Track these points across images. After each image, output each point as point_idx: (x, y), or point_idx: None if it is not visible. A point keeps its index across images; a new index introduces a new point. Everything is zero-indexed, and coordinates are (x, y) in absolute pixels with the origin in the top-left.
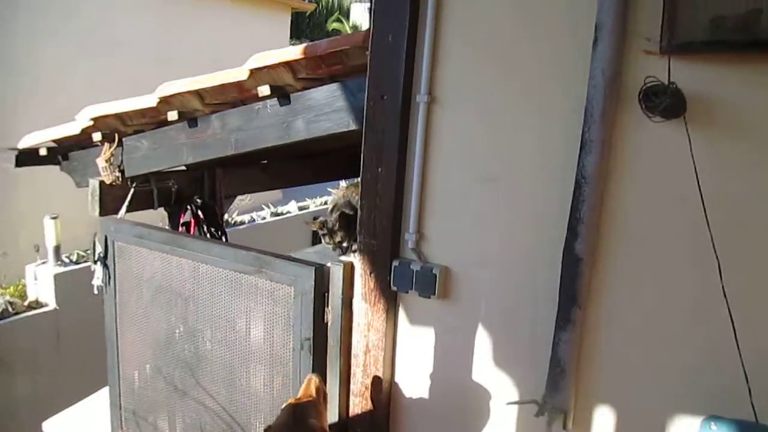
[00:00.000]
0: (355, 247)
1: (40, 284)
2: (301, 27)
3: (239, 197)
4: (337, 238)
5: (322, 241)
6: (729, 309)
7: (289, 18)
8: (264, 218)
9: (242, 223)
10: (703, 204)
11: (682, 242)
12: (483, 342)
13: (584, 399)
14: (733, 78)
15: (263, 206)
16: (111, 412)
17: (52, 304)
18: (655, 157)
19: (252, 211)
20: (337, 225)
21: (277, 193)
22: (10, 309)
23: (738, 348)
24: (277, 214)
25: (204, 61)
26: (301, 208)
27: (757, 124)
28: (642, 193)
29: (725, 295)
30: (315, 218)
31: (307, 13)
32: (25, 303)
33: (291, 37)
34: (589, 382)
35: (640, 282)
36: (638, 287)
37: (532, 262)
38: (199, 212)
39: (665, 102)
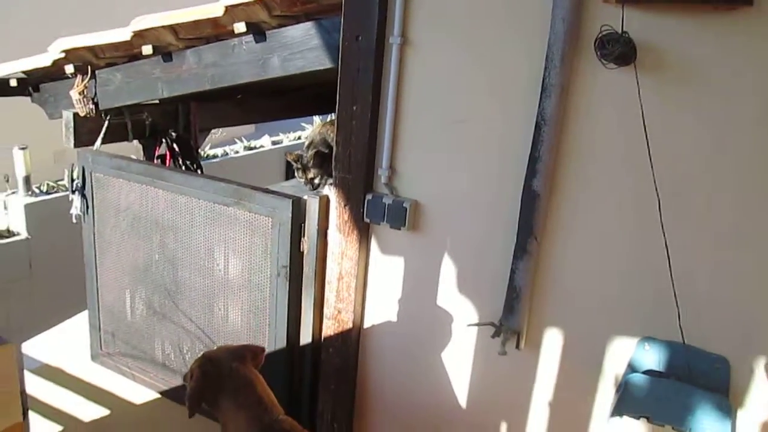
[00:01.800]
0: (326, 184)
1: (11, 214)
2: None
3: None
4: (310, 175)
5: (296, 175)
6: (666, 242)
7: None
8: (237, 152)
9: (215, 156)
10: (648, 145)
11: (629, 180)
12: (448, 270)
13: (536, 322)
14: (679, 28)
15: (236, 140)
16: (91, 334)
17: (23, 234)
18: (608, 102)
19: (225, 144)
20: (312, 162)
21: (250, 128)
22: None
23: (671, 278)
24: (250, 149)
25: None
26: (274, 143)
27: (700, 71)
28: (595, 135)
29: (663, 230)
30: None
31: None
32: None
33: None
34: (541, 307)
35: (591, 217)
36: (588, 222)
37: (494, 197)
38: (174, 145)
39: (618, 50)
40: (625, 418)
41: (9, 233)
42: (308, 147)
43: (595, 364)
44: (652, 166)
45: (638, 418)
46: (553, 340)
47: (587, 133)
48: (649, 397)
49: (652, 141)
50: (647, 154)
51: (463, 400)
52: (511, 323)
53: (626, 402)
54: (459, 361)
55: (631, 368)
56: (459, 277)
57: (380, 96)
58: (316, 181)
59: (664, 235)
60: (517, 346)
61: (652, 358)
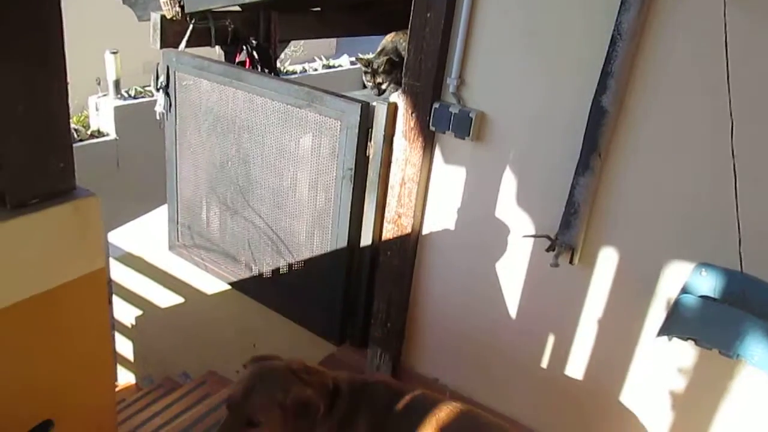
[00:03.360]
0: (392, 91)
1: (102, 115)
2: None
3: (292, 48)
4: (378, 80)
5: (364, 79)
6: (734, 167)
7: None
8: (316, 69)
9: (294, 72)
10: (727, 66)
11: (702, 102)
12: (508, 183)
13: (592, 239)
14: None
15: (315, 58)
16: (169, 226)
17: (112, 135)
18: (690, 18)
19: (304, 62)
20: (382, 68)
21: (330, 47)
22: (75, 135)
23: (736, 203)
24: (329, 67)
25: None
26: (352, 63)
27: None
28: (672, 54)
29: (733, 155)
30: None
31: None
32: (88, 132)
33: None
34: (598, 225)
35: (658, 136)
36: (656, 141)
37: (561, 112)
38: (254, 53)
39: None
40: (673, 339)
41: (99, 133)
42: (379, 54)
43: (649, 285)
44: (729, 89)
45: (685, 340)
46: (607, 259)
47: (664, 50)
48: (699, 319)
49: (732, 63)
50: (725, 76)
51: (513, 310)
52: (566, 238)
53: (675, 322)
54: (512, 272)
55: (685, 293)
56: (518, 190)
57: (455, 4)
58: (384, 86)
59: (733, 160)
60: (571, 262)
61: (707, 284)
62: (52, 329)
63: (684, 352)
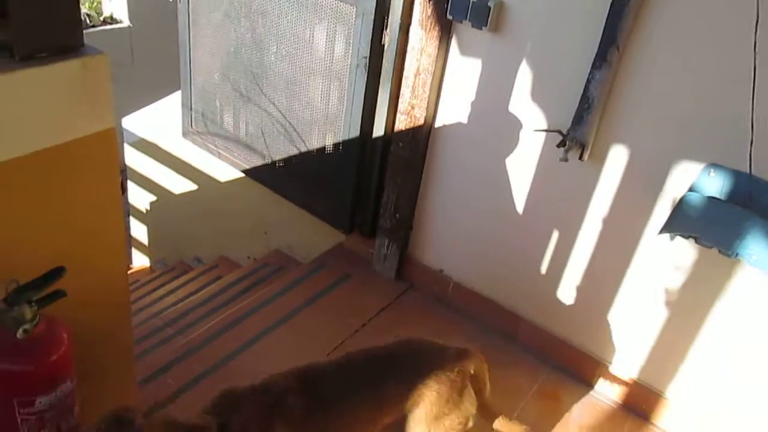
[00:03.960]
0: None
1: (114, 1)
2: None
3: None
4: None
5: None
6: (755, 66)
7: None
8: None
9: None
10: None
11: None
12: (523, 76)
13: (603, 135)
14: None
15: None
16: (182, 112)
17: (126, 22)
18: None
19: None
20: None
21: None
22: (87, 21)
23: (753, 102)
24: None
25: None
26: None
27: None
28: None
29: (755, 53)
30: None
31: None
32: (101, 18)
33: None
34: (611, 121)
35: (679, 32)
36: (676, 37)
37: (582, 3)
38: None
39: None
40: (675, 237)
41: (112, 20)
42: None
43: (657, 184)
44: None
45: (687, 238)
46: (617, 155)
47: None
48: (702, 217)
49: None
50: None
51: (520, 205)
52: (578, 134)
53: (678, 219)
54: (522, 167)
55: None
56: (534, 83)
57: None
58: None
59: (755, 58)
60: (581, 158)
61: (715, 184)
62: (62, 186)
63: (683, 251)
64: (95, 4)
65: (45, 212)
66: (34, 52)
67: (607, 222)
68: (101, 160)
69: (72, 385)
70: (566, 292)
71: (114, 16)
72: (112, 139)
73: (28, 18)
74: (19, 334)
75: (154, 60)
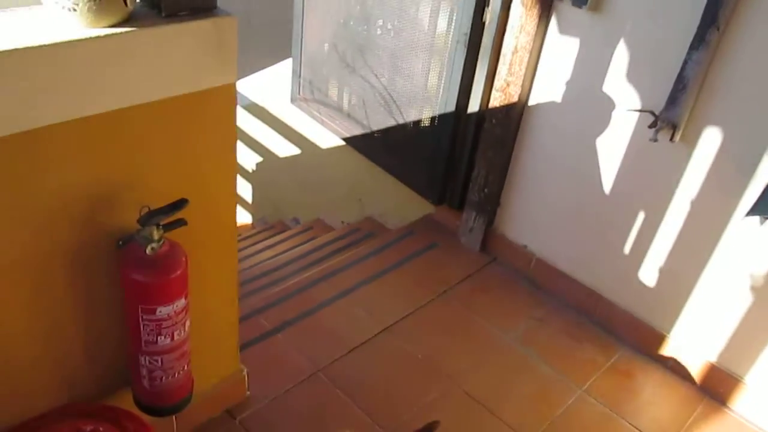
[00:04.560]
0: None
1: None
2: None
3: None
4: None
5: None
6: None
7: None
8: None
9: None
10: None
11: None
12: (620, 56)
13: (697, 117)
14: None
15: None
16: (292, 79)
17: None
18: None
19: None
20: None
21: None
22: None
23: None
24: None
25: None
26: None
27: None
28: None
29: None
30: None
31: None
32: None
33: None
34: (706, 102)
35: None
36: None
37: None
38: None
39: None
40: (764, 220)
41: None
42: None
43: (749, 167)
44: None
45: None
46: (709, 138)
47: None
48: None
49: None
50: None
51: (608, 185)
52: (670, 114)
53: (765, 202)
54: (612, 147)
55: None
56: (630, 63)
57: None
58: None
59: None
60: (672, 139)
61: None
62: (190, 130)
63: None
64: None
65: (175, 151)
66: (176, 10)
67: (695, 204)
68: (223, 110)
69: (186, 302)
70: (648, 273)
71: None
72: (232, 93)
73: None
74: (148, 251)
75: (270, 28)
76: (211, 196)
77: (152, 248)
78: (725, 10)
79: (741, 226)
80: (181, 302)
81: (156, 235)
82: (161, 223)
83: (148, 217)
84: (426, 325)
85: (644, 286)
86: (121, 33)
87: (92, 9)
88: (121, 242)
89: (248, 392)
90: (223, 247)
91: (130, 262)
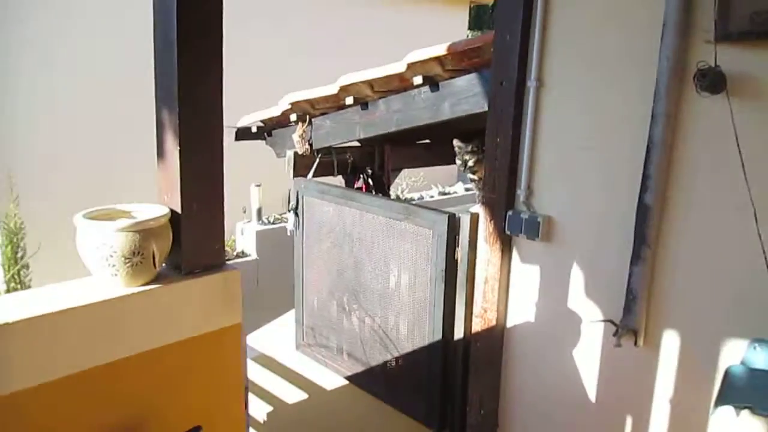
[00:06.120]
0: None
1: (246, 239)
2: (483, 18)
3: (413, 179)
4: (467, 158)
5: (457, 154)
6: (762, 247)
7: (467, 12)
8: (432, 196)
9: (412, 199)
10: (742, 161)
11: (727, 194)
12: (575, 275)
13: (653, 321)
14: (766, 60)
15: (432, 186)
16: (296, 328)
17: (253, 255)
18: (707, 126)
19: (422, 190)
20: (473, 149)
21: (451, 176)
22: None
23: None
24: (444, 193)
25: (382, 54)
26: (467, 189)
27: None
28: (697, 155)
29: (759, 236)
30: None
31: (490, 5)
32: (234, 253)
33: (471, 28)
34: (656, 308)
35: (697, 226)
36: (696, 230)
37: (614, 211)
38: (370, 180)
39: (707, 80)
40: (736, 411)
41: (243, 254)
42: (472, 147)
43: (710, 362)
44: (746, 179)
45: (741, 408)
46: (669, 339)
47: (690, 153)
48: (750, 387)
49: (745, 157)
50: (741, 167)
51: (592, 394)
52: (628, 322)
53: (728, 392)
54: (587, 357)
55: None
56: (585, 281)
57: (520, 129)
58: (470, 163)
59: (760, 239)
60: (636, 344)
61: (761, 358)
62: (203, 363)
63: (751, 424)
64: (230, 242)
65: (188, 383)
66: (193, 268)
67: (674, 403)
68: (230, 347)
69: None
70: None
71: (244, 251)
72: (238, 331)
73: (194, 247)
74: None
75: (274, 285)
76: (219, 424)
77: None
78: (651, 230)
79: (720, 416)
80: None
81: None
82: None
83: None
84: None
85: None
86: (150, 290)
87: (129, 273)
88: None
89: None
90: None
91: None
